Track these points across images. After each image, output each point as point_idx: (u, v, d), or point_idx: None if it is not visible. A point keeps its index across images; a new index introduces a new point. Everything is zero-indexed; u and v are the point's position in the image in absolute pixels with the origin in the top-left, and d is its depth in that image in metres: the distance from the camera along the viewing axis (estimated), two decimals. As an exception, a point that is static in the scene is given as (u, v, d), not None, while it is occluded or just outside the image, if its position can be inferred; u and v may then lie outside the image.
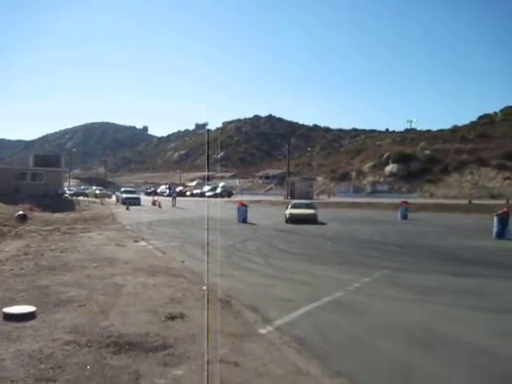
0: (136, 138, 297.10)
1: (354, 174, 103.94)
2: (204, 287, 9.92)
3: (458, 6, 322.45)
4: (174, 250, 17.05)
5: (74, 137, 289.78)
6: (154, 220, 31.22)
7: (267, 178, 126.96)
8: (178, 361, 5.81)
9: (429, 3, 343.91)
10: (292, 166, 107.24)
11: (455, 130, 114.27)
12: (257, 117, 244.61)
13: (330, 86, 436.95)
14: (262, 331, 7.29)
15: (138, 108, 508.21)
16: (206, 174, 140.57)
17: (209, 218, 34.39)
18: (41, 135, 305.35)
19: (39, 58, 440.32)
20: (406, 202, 39.61)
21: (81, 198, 61.04)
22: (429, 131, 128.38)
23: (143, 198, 61.84)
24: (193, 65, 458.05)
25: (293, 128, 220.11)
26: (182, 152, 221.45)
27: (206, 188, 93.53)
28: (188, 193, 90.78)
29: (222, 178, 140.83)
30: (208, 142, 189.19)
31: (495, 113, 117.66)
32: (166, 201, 54.40)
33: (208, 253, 15.82)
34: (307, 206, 34.50)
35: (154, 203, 52.00)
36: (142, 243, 18.60)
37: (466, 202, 55.57)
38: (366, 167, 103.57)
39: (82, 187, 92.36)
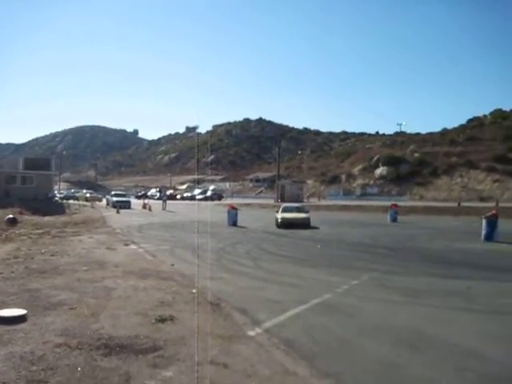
0: (126, 141, 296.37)
1: (344, 176, 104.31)
2: (194, 290, 10.01)
3: (448, 10, 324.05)
4: (164, 253, 17.10)
5: (64, 140, 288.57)
6: (145, 223, 31.24)
7: (257, 181, 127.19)
8: (167, 362, 5.89)
9: (419, 7, 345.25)
10: (282, 169, 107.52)
11: (445, 132, 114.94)
12: (247, 120, 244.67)
13: (320, 89, 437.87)
14: (251, 333, 7.37)
15: (129, 111, 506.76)
16: (196, 177, 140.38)
17: (199, 221, 34.41)
18: (31, 138, 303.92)
19: (29, 62, 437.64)
20: (395, 205, 39.73)
21: (71, 201, 61.02)
22: (418, 134, 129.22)
23: (133, 201, 61.70)
24: (183, 68, 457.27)
25: (283, 131, 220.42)
26: (173, 155, 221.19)
27: (197, 191, 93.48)
28: (178, 196, 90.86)
29: (213, 181, 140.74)
30: (198, 146, 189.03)
31: (484, 116, 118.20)
32: (156, 204, 54.38)
33: (198, 256, 15.90)
34: (299, 210, 33.48)
35: (144, 206, 51.95)
36: (133, 246, 18.63)
37: (455, 204, 55.92)
38: (356, 170, 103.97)
39: (73, 190, 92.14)
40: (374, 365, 6.19)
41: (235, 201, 68.22)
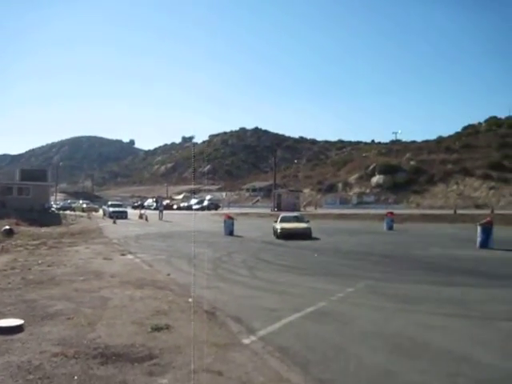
0: (123, 151, 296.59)
1: (340, 185, 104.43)
2: (190, 299, 10.09)
3: (444, 19, 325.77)
4: (160, 263, 17.16)
5: (61, 151, 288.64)
6: (141, 233, 31.28)
7: (254, 190, 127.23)
8: (163, 370, 5.96)
9: (413, 15, 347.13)
10: (279, 178, 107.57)
11: (440, 140, 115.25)
12: (243, 129, 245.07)
13: (315, 98, 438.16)
14: (246, 341, 7.45)
15: (125, 121, 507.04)
16: (192, 187, 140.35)
17: (196, 231, 34.42)
18: (27, 149, 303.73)
19: (24, 71, 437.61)
20: (391, 213, 39.88)
21: (67, 212, 60.95)
22: (414, 142, 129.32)
23: (130, 211, 61.74)
24: (179, 78, 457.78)
25: (279, 140, 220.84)
26: (169, 165, 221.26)
27: (193, 201, 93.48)
28: (175, 206, 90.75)
29: (209, 190, 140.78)
30: (194, 155, 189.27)
31: (479, 123, 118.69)
32: (153, 214, 54.38)
33: (194, 265, 15.97)
34: (298, 220, 31.85)
35: (140, 217, 51.96)
36: (129, 256, 18.71)
37: (451, 212, 55.99)
38: (353, 179, 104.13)
39: (69, 201, 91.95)
40: (367, 371, 6.26)
41: (232, 210, 68.22)
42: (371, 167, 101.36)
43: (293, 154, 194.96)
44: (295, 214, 38.77)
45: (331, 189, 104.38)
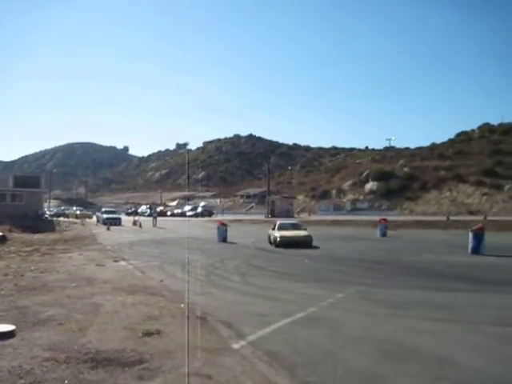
0: (117, 158, 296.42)
1: (334, 191, 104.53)
2: (182, 305, 10.17)
3: (437, 26, 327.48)
4: (153, 269, 17.23)
5: (54, 157, 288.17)
6: (135, 240, 31.31)
7: (248, 197, 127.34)
8: (152, 374, 6.05)
9: (405, 22, 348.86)
10: (273, 184, 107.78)
11: (433, 147, 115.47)
12: (237, 136, 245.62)
13: (309, 105, 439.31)
14: (236, 346, 7.54)
15: (119, 127, 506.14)
16: (186, 193, 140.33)
17: (189, 237, 34.47)
18: (20, 156, 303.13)
19: (17, 76, 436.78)
20: (384, 220, 39.97)
21: (61, 218, 60.87)
22: (407, 149, 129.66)
23: (124, 218, 61.72)
24: (174, 84, 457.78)
25: (273, 147, 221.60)
26: (163, 172, 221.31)
27: (187, 208, 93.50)
28: (169, 212, 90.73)
29: (203, 197, 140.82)
30: (188, 162, 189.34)
31: (473, 130, 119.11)
32: (146, 221, 54.38)
33: (187, 271, 16.04)
34: (296, 227, 30.37)
35: (134, 223, 51.95)
36: (122, 263, 18.77)
37: (444, 218, 56.16)
38: (346, 185, 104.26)
39: (63, 208, 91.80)
40: (354, 375, 6.36)
41: (226, 217, 68.29)
42: (365, 174, 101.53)
43: (287, 161, 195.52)
44: (293, 221, 37.59)
45: (325, 195, 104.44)
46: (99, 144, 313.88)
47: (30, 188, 56.09)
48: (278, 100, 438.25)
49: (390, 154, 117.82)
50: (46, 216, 60.39)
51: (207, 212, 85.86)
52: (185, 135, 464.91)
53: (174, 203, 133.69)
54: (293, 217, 68.65)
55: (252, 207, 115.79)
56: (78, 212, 74.75)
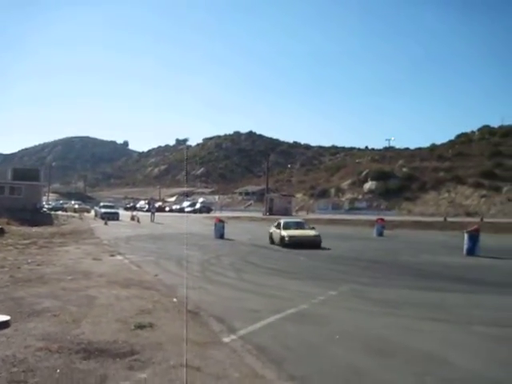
0: (116, 152, 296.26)
1: (333, 190, 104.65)
2: (175, 299, 10.33)
3: (437, 25, 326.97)
4: (149, 264, 17.35)
5: (54, 151, 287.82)
6: (132, 235, 31.44)
7: (247, 194, 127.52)
8: (143, 365, 6.18)
9: (406, 24, 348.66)
10: (272, 182, 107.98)
11: (433, 148, 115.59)
12: (237, 133, 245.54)
13: (310, 103, 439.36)
14: (226, 340, 7.69)
15: (119, 122, 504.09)
16: (185, 189, 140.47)
17: (186, 233, 34.55)
18: (20, 149, 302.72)
19: (17, 70, 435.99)
20: (381, 220, 40.03)
21: (59, 212, 60.95)
22: (407, 149, 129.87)
23: (122, 213, 61.76)
24: (175, 80, 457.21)
25: (273, 145, 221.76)
26: (162, 167, 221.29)
27: (186, 204, 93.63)
28: (167, 208, 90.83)
29: (202, 193, 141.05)
30: (187, 158, 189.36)
31: (473, 132, 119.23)
32: (145, 216, 54.45)
33: (182, 267, 16.23)
34: (302, 226, 28.87)
35: (132, 218, 52.10)
36: (119, 257, 18.91)
37: (441, 219, 56.31)
38: (345, 184, 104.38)
39: (61, 202, 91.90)
40: (339, 369, 6.50)
41: (224, 214, 68.51)
42: (364, 173, 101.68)
43: (286, 159, 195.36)
44: (297, 219, 35.32)
45: (324, 194, 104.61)
46: (99, 138, 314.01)
47: (29, 181, 56.11)
48: (279, 98, 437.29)
49: (390, 154, 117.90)
50: (45, 209, 60.47)
51: (206, 208, 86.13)
52: (185, 131, 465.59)
53: (173, 199, 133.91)
54: (291, 215, 68.85)
55: (250, 204, 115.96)
56: (77, 206, 74.83)
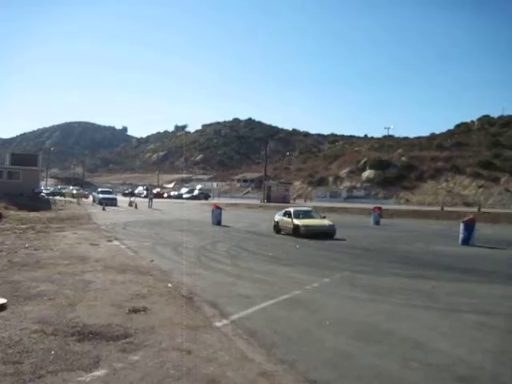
0: (115, 138, 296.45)
1: (331, 179, 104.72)
2: (169, 284, 10.49)
3: (438, 17, 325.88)
4: (145, 249, 17.52)
5: (53, 136, 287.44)
6: (130, 221, 31.55)
7: (245, 181, 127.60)
8: (135, 348, 6.37)
9: (406, 13, 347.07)
10: (270, 169, 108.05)
11: (432, 137, 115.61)
12: (236, 120, 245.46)
13: (310, 90, 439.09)
14: (218, 324, 7.84)
15: (118, 108, 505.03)
16: (183, 175, 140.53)
17: (184, 219, 34.69)
18: (18, 133, 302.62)
19: (17, 56, 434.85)
20: (378, 208, 40.19)
21: (57, 197, 61.01)
22: (406, 138, 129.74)
23: (120, 198, 61.91)
24: (174, 66, 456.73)
25: (272, 132, 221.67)
26: (161, 153, 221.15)
27: (184, 190, 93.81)
28: (165, 194, 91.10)
29: (201, 180, 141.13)
30: (186, 144, 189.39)
31: (472, 121, 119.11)
32: (143, 202, 54.71)
33: (178, 253, 16.39)
34: (312, 215, 27.37)
35: (130, 204, 52.28)
36: (115, 243, 19.07)
37: (438, 209, 56.43)
38: (343, 172, 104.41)
39: (59, 187, 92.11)
40: (327, 353, 6.66)
41: (222, 200, 68.64)
42: (362, 162, 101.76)
43: (285, 146, 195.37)
44: (306, 208, 33.42)
45: (322, 182, 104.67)
46: (98, 124, 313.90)
47: (28, 166, 56.14)
48: (278, 85, 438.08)
49: (389, 142, 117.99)
50: (43, 195, 60.51)
51: (204, 195, 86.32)
52: (184, 117, 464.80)
53: (171, 185, 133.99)
54: (289, 202, 69.12)
55: (249, 192, 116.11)
56: (75, 191, 74.98)
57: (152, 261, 14.59)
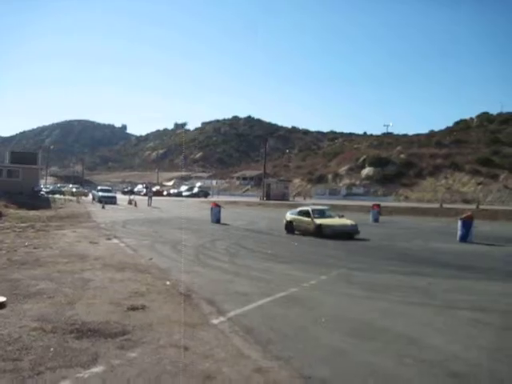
0: (115, 136, 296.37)
1: (330, 176, 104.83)
2: (168, 282, 10.58)
3: (437, 14, 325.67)
4: (144, 247, 17.60)
5: (52, 134, 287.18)
6: (129, 219, 31.63)
7: (244, 179, 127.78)
8: (133, 345, 6.45)
9: (405, 9, 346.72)
10: (270, 167, 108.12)
11: (431, 134, 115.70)
12: (236, 118, 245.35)
13: (309, 88, 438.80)
14: (215, 321, 7.92)
15: (118, 106, 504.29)
16: (183, 173, 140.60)
17: (183, 217, 34.79)
18: (18, 132, 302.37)
19: (15, 53, 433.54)
20: (377, 206, 40.29)
21: (57, 195, 61.08)
22: (405, 135, 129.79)
23: (120, 197, 62.05)
24: (173, 64, 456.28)
25: (271, 129, 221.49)
26: (161, 151, 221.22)
27: (183, 188, 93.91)
28: (165, 192, 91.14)
29: (200, 178, 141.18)
30: (185, 142, 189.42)
31: (471, 118, 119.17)
32: (142, 200, 54.73)
33: (177, 251, 16.48)
34: (330, 214, 26.53)
35: (130, 202, 52.39)
36: (115, 241, 19.14)
37: (437, 206, 56.50)
38: (343, 170, 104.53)
39: (59, 185, 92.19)
40: (322, 350, 6.74)
41: (221, 198, 68.73)
42: (362, 159, 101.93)
43: (284, 144, 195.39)
44: (323, 206, 31.35)
45: (321, 179, 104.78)
46: (97, 122, 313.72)
47: (27, 164, 56.16)
48: (278, 83, 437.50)
49: (388, 140, 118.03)
50: (42, 193, 60.59)
51: (203, 193, 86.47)
52: (184, 115, 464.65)
53: (171, 183, 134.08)
54: (288, 200, 69.25)
55: (248, 189, 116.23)
56: (74, 189, 75.03)
57: (151, 259, 14.68)
